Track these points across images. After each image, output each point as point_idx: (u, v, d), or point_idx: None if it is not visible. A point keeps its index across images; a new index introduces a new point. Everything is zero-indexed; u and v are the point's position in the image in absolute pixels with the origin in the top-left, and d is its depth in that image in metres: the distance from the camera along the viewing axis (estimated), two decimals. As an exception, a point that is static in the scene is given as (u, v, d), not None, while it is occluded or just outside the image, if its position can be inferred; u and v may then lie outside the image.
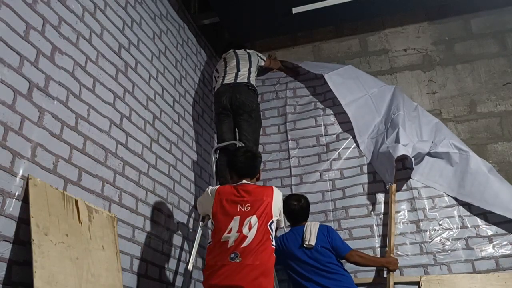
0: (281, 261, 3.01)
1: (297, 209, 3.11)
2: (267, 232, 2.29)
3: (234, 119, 3.41)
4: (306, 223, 3.09)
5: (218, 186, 2.51)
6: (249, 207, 2.31)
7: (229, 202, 2.34)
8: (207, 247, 2.35)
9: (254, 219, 2.27)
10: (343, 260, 3.01)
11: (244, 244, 2.20)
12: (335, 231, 3.13)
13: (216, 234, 2.29)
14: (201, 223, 2.82)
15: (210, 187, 2.51)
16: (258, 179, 2.60)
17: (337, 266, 2.91)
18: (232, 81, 3.46)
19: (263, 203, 2.34)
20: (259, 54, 3.87)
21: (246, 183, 2.46)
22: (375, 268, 3.24)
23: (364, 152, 3.69)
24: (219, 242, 2.24)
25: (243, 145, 3.20)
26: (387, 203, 3.43)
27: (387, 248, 3.21)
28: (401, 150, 3.24)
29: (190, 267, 2.82)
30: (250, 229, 2.24)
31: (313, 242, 2.92)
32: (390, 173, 3.36)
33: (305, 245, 2.94)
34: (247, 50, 3.81)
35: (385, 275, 3.15)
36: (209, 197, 2.43)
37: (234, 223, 2.26)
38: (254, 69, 3.64)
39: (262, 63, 3.87)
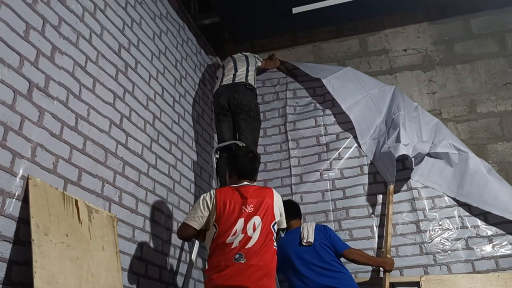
0: (281, 265, 2.99)
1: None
2: (270, 233, 2.31)
3: (233, 118, 3.43)
4: (302, 224, 3.09)
5: (215, 190, 2.46)
6: (253, 208, 2.32)
7: (232, 205, 2.32)
8: (209, 249, 2.32)
9: (258, 220, 2.29)
10: (342, 259, 3.01)
11: (249, 245, 2.21)
12: (332, 229, 3.13)
13: (220, 237, 2.24)
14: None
15: (204, 195, 2.41)
16: (255, 181, 2.59)
17: (338, 264, 2.90)
18: (230, 82, 3.49)
19: (265, 204, 2.36)
20: (256, 56, 3.91)
21: (247, 184, 2.46)
22: (373, 268, 3.25)
23: (366, 153, 3.70)
24: (223, 244, 2.22)
25: (244, 145, 3.21)
26: (387, 203, 3.43)
27: (383, 249, 3.22)
28: (402, 150, 3.25)
29: (190, 267, 2.82)
30: (254, 230, 2.26)
31: (311, 239, 2.92)
32: (391, 173, 3.36)
33: (304, 243, 2.93)
34: (244, 53, 3.85)
35: (381, 275, 3.14)
36: (209, 203, 2.36)
37: (239, 225, 2.25)
38: (252, 68, 3.67)
39: (259, 64, 3.89)
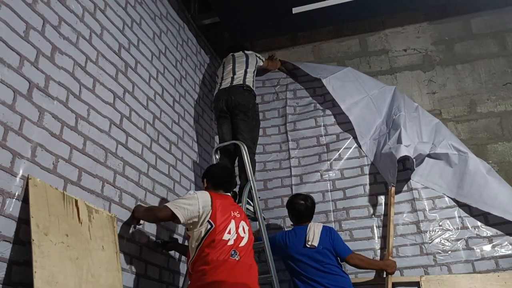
0: (281, 257, 3.03)
1: (303, 208, 3.10)
2: (253, 239, 2.53)
3: (232, 120, 3.45)
4: (309, 224, 3.08)
5: (206, 191, 2.50)
6: (239, 214, 2.49)
7: (224, 206, 2.42)
8: (201, 245, 2.30)
9: (245, 225, 2.49)
10: (343, 262, 3.01)
11: (241, 244, 2.36)
12: (337, 232, 3.13)
13: (217, 233, 2.30)
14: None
15: (196, 192, 2.44)
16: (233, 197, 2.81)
17: (337, 268, 2.91)
18: (228, 85, 3.54)
19: (244, 215, 2.59)
20: (258, 55, 3.91)
21: (228, 195, 2.63)
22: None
23: (367, 154, 3.69)
24: (219, 239, 2.29)
25: (244, 145, 3.22)
26: (387, 205, 3.42)
27: (385, 251, 3.21)
28: (403, 151, 3.24)
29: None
30: (244, 232, 2.43)
31: (316, 243, 2.92)
32: (392, 174, 3.35)
33: (307, 245, 2.94)
34: (245, 52, 3.85)
35: (384, 275, 3.14)
36: (202, 200, 2.37)
37: (232, 225, 2.38)
38: (251, 70, 3.67)
39: (261, 63, 3.90)
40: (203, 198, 2.38)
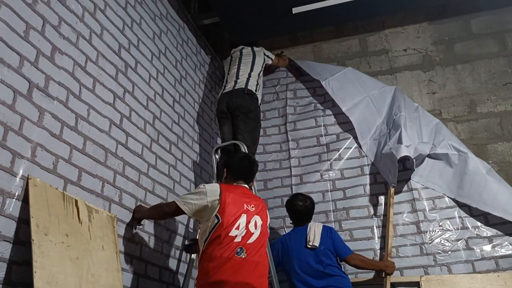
0: (282, 260, 3.03)
1: (302, 209, 3.10)
2: (266, 234, 2.43)
3: (233, 121, 3.47)
4: (309, 224, 3.08)
5: (218, 183, 2.50)
6: (254, 208, 2.38)
7: (236, 200, 2.34)
8: (208, 239, 2.26)
9: (259, 219, 2.36)
10: (343, 262, 3.01)
11: (250, 241, 2.27)
12: (337, 232, 3.13)
13: (223, 228, 2.23)
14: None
15: (205, 185, 2.39)
16: (250, 187, 2.63)
17: (337, 268, 2.91)
18: (231, 89, 3.57)
19: (263, 207, 2.45)
20: (266, 53, 3.91)
21: (246, 186, 2.53)
22: (375, 269, 3.26)
23: (367, 154, 3.70)
24: (225, 235, 2.22)
25: (244, 145, 3.22)
26: (387, 205, 3.42)
27: (384, 252, 3.21)
28: (403, 151, 3.25)
29: (190, 266, 2.82)
30: (256, 227, 2.32)
31: (317, 243, 2.92)
32: (393, 174, 3.36)
33: (309, 246, 2.93)
34: (254, 49, 3.85)
35: (383, 276, 3.14)
36: (211, 194, 2.32)
37: (242, 220, 2.29)
38: (255, 73, 3.68)
39: (270, 62, 3.93)
40: (212, 192, 2.32)
